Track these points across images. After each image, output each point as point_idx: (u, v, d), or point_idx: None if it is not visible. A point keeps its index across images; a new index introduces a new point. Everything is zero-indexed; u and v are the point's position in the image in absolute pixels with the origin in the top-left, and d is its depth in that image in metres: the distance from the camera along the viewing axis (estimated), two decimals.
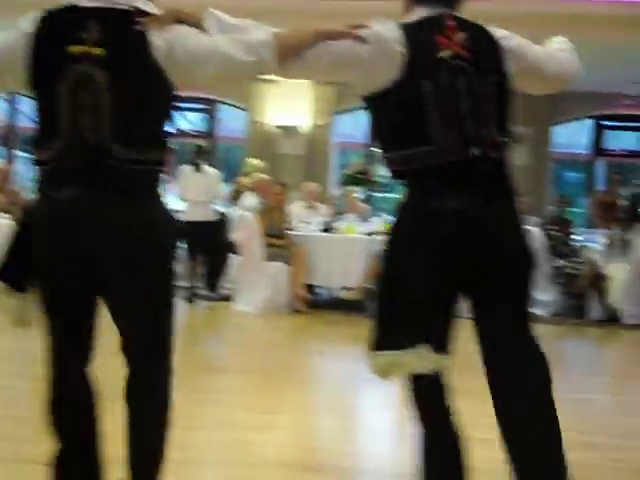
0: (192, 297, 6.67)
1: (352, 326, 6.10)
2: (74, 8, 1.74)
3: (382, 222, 6.81)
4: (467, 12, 2.08)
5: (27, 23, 1.76)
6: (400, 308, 1.88)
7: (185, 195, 6.83)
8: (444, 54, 1.80)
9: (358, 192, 7.95)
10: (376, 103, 1.84)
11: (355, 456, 3.27)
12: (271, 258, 6.42)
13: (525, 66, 1.93)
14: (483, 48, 1.86)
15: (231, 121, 10.87)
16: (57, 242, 1.76)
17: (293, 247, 6.51)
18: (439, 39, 1.84)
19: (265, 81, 9.16)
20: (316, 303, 6.77)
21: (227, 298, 6.68)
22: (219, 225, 7.04)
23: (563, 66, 2.00)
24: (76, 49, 1.70)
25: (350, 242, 6.62)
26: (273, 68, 1.76)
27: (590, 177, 10.55)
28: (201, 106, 10.49)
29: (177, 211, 6.81)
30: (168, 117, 1.87)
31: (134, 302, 1.75)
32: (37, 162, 1.80)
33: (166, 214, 1.92)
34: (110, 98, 1.66)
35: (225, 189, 7.93)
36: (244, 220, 6.58)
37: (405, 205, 1.85)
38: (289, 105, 9.68)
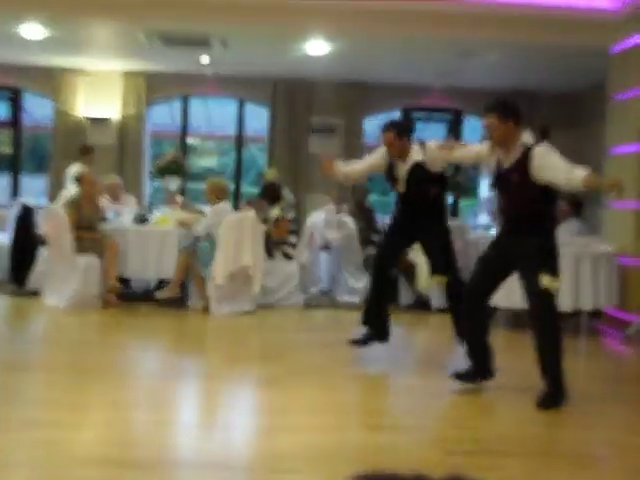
0: None
1: (165, 319, 6.19)
2: None
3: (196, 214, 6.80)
4: None
5: None
6: None
7: None
8: None
9: (172, 184, 7.74)
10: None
11: (170, 449, 3.24)
12: (82, 251, 6.31)
13: None
14: None
15: (37, 110, 10.38)
16: None
17: (105, 240, 6.43)
18: None
19: (72, 71, 9.24)
20: (129, 296, 6.72)
21: (35, 292, 6.54)
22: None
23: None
24: None
25: (163, 235, 6.60)
26: None
27: None
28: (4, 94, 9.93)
29: None
30: None
31: None
32: None
33: None
34: None
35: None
36: (52, 213, 6.46)
37: None
38: (99, 95, 9.42)
